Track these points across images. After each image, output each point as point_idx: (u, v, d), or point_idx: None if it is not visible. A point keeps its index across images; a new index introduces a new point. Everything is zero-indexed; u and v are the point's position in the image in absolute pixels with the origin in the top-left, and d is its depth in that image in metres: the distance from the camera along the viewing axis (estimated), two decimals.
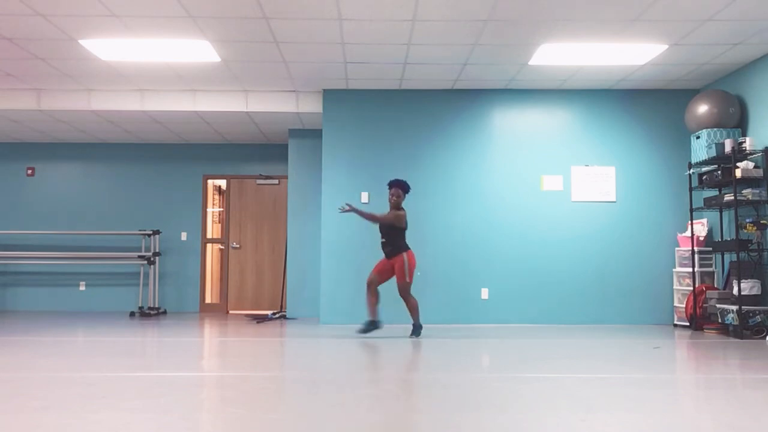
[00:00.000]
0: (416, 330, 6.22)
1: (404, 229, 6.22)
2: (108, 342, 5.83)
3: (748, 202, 6.31)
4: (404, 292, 6.13)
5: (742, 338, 6.06)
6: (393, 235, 6.17)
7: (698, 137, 6.90)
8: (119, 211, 9.69)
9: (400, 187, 6.23)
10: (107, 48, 6.17)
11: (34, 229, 9.58)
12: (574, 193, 7.59)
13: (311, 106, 7.82)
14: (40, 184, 9.76)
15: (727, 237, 6.99)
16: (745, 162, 6.35)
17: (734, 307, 6.19)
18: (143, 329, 7.00)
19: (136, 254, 9.04)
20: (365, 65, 6.80)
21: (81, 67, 6.79)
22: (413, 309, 6.18)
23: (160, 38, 5.96)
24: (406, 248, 6.17)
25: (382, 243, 6.23)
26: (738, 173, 6.29)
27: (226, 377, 4.07)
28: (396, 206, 6.22)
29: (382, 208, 7.57)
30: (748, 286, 6.21)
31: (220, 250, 9.84)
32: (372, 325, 6.18)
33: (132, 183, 9.75)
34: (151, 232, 9.19)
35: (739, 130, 6.79)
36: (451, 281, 7.52)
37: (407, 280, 6.09)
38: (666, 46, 6.22)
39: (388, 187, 6.30)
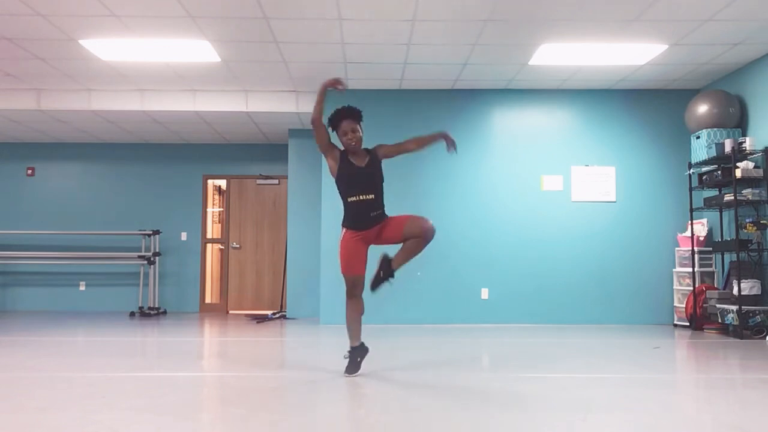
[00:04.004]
0: (389, 262, 4.07)
1: None
2: (108, 342, 5.83)
3: (748, 202, 6.31)
4: (418, 226, 3.99)
5: (742, 338, 6.05)
6: (381, 185, 4.09)
7: (698, 137, 6.89)
8: (119, 211, 9.69)
9: (352, 117, 4.12)
10: (107, 48, 6.16)
11: (34, 229, 9.57)
12: (574, 193, 7.59)
13: (311, 106, 7.80)
14: (40, 184, 9.75)
15: (727, 237, 6.99)
16: (745, 162, 6.34)
17: (734, 307, 6.19)
18: (143, 329, 7.00)
19: (136, 254, 9.04)
20: (365, 65, 6.79)
21: (81, 67, 6.79)
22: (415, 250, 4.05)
23: (160, 38, 5.95)
24: None
25: (367, 203, 3.99)
26: (738, 173, 6.28)
27: (226, 377, 4.07)
28: (358, 149, 4.11)
29: None
30: (748, 286, 6.21)
31: (220, 250, 9.83)
32: (358, 355, 4.14)
33: (132, 183, 9.75)
34: (151, 232, 9.18)
35: (739, 130, 6.78)
36: (451, 281, 7.51)
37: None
38: (666, 46, 6.21)
39: (331, 125, 4.11)
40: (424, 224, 3.96)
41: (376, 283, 4.03)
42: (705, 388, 3.77)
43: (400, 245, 4.06)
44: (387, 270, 4.01)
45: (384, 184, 4.12)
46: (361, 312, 4.15)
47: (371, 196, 3.97)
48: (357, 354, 4.12)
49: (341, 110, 4.06)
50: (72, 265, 9.58)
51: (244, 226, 9.74)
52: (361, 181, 3.99)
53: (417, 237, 3.95)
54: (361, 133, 4.08)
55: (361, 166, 4.02)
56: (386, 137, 7.55)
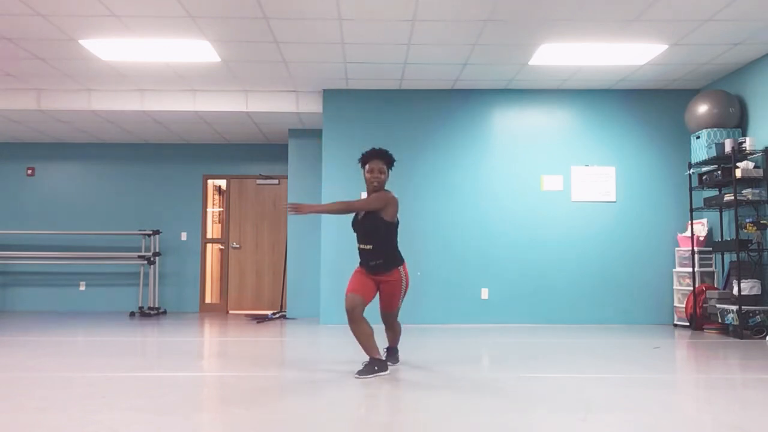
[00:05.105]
0: (394, 354, 4.48)
1: (397, 225, 4.23)
2: (108, 342, 5.83)
3: (748, 202, 6.31)
4: (394, 318, 4.37)
5: (742, 338, 6.05)
6: (384, 237, 4.14)
7: (698, 137, 6.90)
8: (119, 211, 9.69)
9: (382, 160, 4.17)
10: (107, 48, 6.16)
11: (34, 229, 9.57)
12: (574, 193, 7.59)
13: (311, 106, 7.82)
14: (40, 184, 9.75)
15: (727, 237, 6.99)
16: (745, 162, 6.34)
17: (734, 307, 6.19)
18: (143, 329, 7.00)
19: (136, 254, 9.04)
20: (365, 65, 6.79)
21: (81, 67, 6.79)
22: (398, 333, 4.49)
23: (160, 38, 5.95)
24: (402, 259, 4.24)
25: (366, 252, 4.16)
26: (738, 173, 6.29)
27: (226, 377, 4.07)
28: (379, 190, 4.19)
29: None
30: (748, 286, 6.21)
31: (220, 250, 9.83)
32: (377, 365, 4.09)
33: (132, 183, 9.75)
34: (151, 232, 9.18)
35: (739, 130, 6.78)
36: (451, 281, 7.51)
37: (400, 304, 4.31)
38: (666, 46, 6.21)
39: (361, 163, 4.22)
40: (394, 324, 4.43)
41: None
42: (705, 388, 3.77)
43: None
44: (392, 356, 4.47)
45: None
46: (370, 332, 4.13)
47: (369, 247, 4.16)
48: (376, 364, 4.08)
49: (377, 150, 4.22)
50: (72, 265, 9.58)
51: (244, 226, 9.74)
52: (359, 232, 4.22)
53: (387, 329, 4.44)
54: (385, 177, 4.19)
55: (361, 221, 4.20)
56: (386, 137, 7.60)
